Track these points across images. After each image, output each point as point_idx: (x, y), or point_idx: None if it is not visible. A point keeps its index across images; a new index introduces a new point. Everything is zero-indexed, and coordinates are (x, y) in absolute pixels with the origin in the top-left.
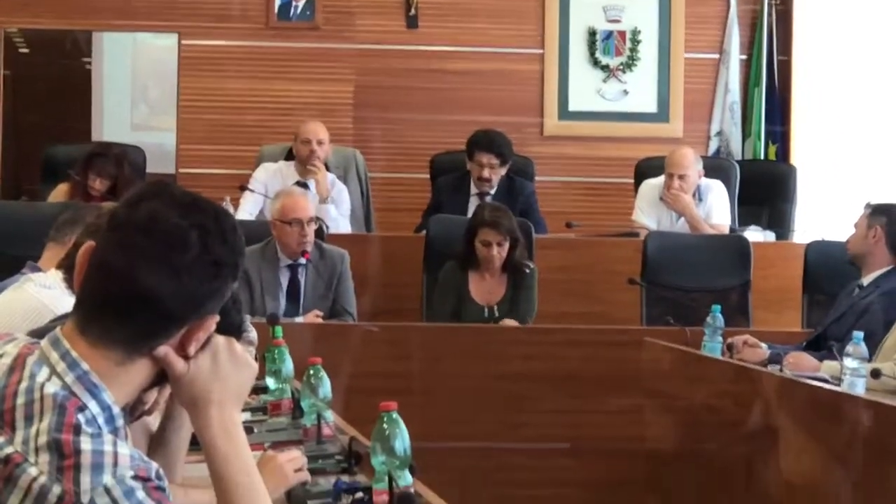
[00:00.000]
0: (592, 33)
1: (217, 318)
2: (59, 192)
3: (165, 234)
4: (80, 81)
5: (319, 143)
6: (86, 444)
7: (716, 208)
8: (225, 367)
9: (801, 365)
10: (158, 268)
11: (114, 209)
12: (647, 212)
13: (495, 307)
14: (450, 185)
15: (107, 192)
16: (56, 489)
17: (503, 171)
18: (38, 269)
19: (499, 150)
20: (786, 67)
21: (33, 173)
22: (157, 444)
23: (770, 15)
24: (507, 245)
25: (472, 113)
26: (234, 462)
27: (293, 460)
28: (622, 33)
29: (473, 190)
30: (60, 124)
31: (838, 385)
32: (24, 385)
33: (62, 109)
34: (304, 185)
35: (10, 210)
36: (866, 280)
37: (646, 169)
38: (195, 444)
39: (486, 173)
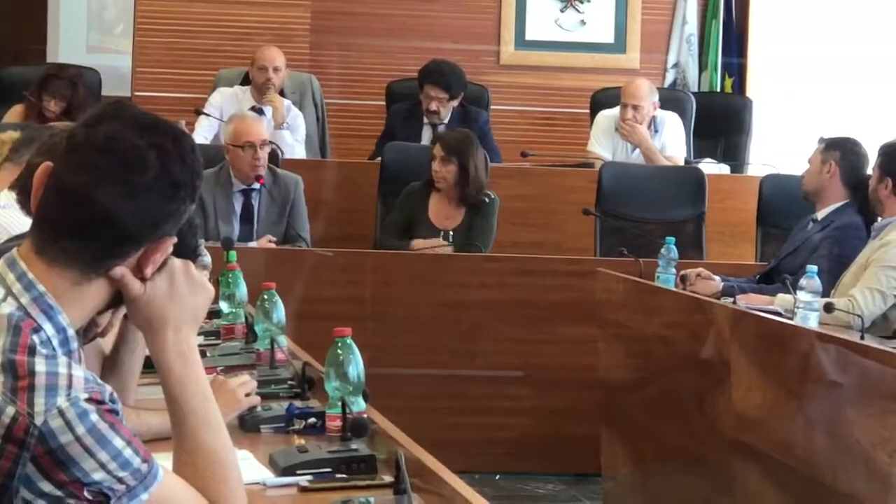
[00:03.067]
0: None
1: (174, 240)
2: (14, 114)
3: (124, 154)
4: (36, 3)
5: (276, 70)
6: (40, 365)
7: (671, 140)
8: (181, 289)
9: (754, 299)
10: (116, 188)
11: (72, 129)
12: (603, 142)
13: (451, 232)
14: (403, 112)
15: (61, 113)
16: (9, 410)
17: (453, 104)
18: None
19: (447, 83)
20: (743, 0)
21: None
22: (110, 366)
23: None
24: (452, 166)
25: (428, 40)
26: (189, 385)
27: (244, 384)
28: None
29: (426, 119)
30: (15, 45)
31: (791, 318)
32: None
33: (17, 30)
34: (260, 111)
35: None
36: (820, 214)
37: (602, 99)
38: (148, 366)
39: (433, 106)
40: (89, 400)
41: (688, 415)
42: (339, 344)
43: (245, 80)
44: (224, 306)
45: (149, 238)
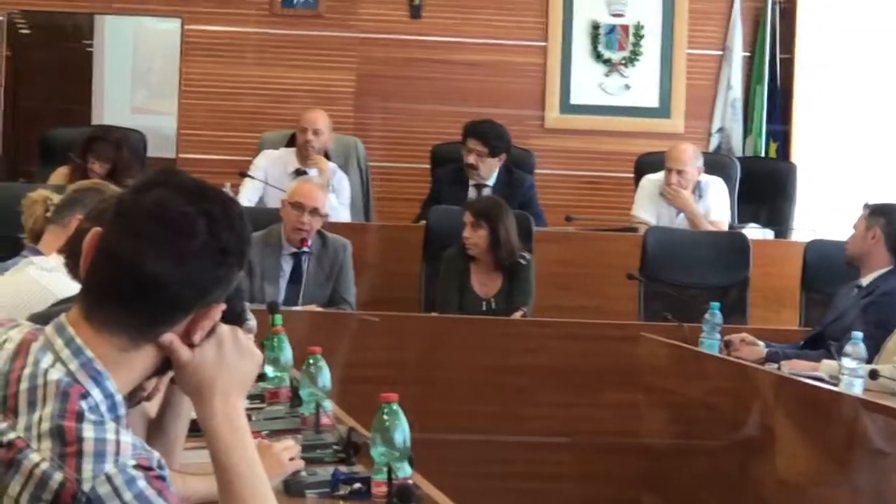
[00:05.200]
0: (595, 27)
1: (223, 306)
2: (59, 175)
3: (173, 220)
4: (81, 64)
5: (315, 132)
6: (88, 431)
7: (715, 205)
8: (230, 355)
9: (799, 365)
10: (166, 254)
11: (121, 195)
12: (647, 207)
13: (492, 300)
14: (448, 176)
15: (106, 175)
16: (58, 476)
17: (495, 163)
18: (38, 252)
19: (485, 137)
20: (788, 65)
21: (32, 156)
22: (155, 430)
23: (773, 12)
24: (482, 231)
25: (473, 104)
26: (236, 451)
27: (288, 449)
28: (625, 27)
29: (470, 179)
30: (61, 107)
31: (836, 385)
32: (27, 371)
33: (63, 92)
34: (304, 173)
35: (9, 191)
36: (865, 280)
37: (646, 164)
38: (193, 430)
39: (471, 159)
40: (137, 466)
41: (731, 481)
42: (386, 409)
43: (290, 143)
44: (269, 370)
45: (197, 304)
